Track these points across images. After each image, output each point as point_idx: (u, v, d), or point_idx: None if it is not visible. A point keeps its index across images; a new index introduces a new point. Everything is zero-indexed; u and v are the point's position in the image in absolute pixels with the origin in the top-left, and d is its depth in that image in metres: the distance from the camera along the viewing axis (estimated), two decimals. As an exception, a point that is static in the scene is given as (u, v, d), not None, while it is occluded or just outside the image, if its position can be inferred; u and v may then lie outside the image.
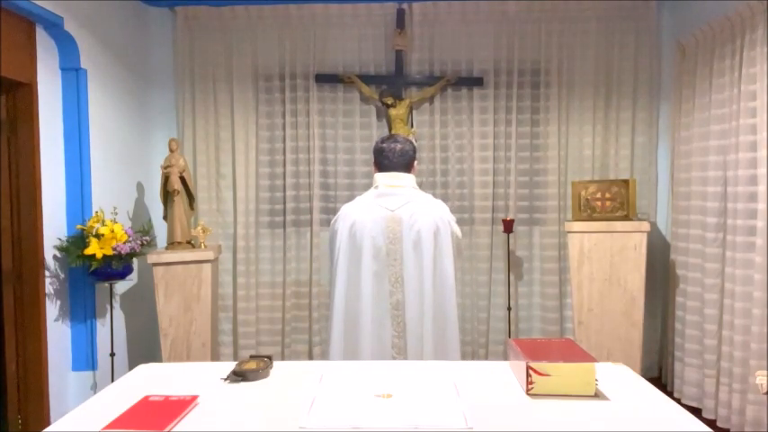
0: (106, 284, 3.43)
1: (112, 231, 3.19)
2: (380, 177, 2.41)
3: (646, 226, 3.71)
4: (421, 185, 2.62)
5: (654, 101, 4.20)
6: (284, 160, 4.29)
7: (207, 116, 4.27)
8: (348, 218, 2.35)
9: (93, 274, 3.22)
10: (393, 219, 2.31)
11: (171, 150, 3.62)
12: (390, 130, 4.17)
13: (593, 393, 1.44)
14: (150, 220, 4.15)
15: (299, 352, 4.37)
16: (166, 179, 3.59)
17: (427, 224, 2.33)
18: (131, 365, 2.91)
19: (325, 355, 2.49)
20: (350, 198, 4.13)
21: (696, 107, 3.71)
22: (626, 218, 3.77)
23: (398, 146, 2.41)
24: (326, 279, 4.14)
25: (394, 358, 2.28)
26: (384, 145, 2.43)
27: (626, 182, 3.81)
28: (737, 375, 3.20)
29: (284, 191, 4.30)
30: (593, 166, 4.21)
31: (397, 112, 4.16)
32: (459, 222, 4.26)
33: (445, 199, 4.27)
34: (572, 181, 4.03)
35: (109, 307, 3.48)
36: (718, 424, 3.35)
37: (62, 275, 3.24)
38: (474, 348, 4.32)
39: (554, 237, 4.24)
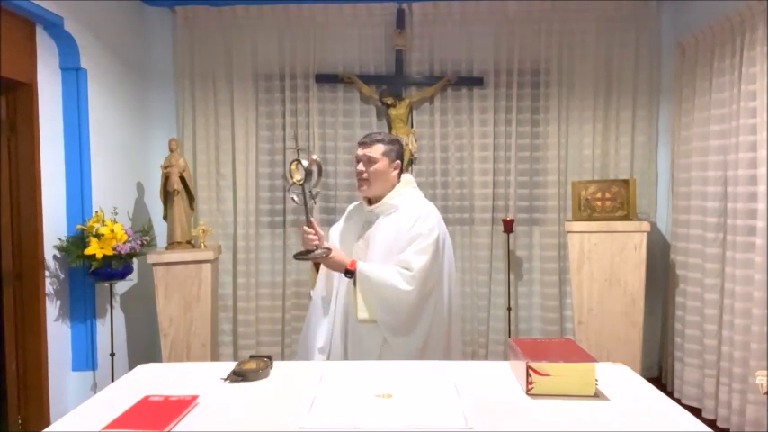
0: (106, 284, 3.43)
1: (112, 231, 3.19)
2: (413, 179, 2.47)
3: (646, 226, 3.71)
4: (421, 185, 2.65)
5: (654, 101, 4.20)
6: (284, 160, 4.28)
7: (207, 116, 4.26)
8: (440, 218, 2.35)
9: (93, 274, 3.22)
10: None
11: (171, 150, 3.62)
12: (390, 130, 4.17)
13: (593, 393, 1.44)
14: (150, 220, 4.14)
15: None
16: (166, 179, 3.59)
17: None
18: (131, 365, 2.91)
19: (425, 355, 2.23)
20: (351, 199, 4.17)
21: (696, 107, 3.71)
22: (626, 218, 3.76)
23: None
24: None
25: None
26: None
27: (626, 182, 3.81)
28: (737, 375, 3.20)
29: (284, 191, 4.30)
30: (594, 166, 4.21)
31: (397, 112, 4.16)
32: (460, 222, 4.33)
33: (445, 199, 4.29)
34: (572, 181, 4.02)
35: (109, 307, 3.48)
36: (719, 424, 3.34)
37: (62, 275, 3.24)
38: (474, 348, 4.32)
39: (554, 237, 4.24)
